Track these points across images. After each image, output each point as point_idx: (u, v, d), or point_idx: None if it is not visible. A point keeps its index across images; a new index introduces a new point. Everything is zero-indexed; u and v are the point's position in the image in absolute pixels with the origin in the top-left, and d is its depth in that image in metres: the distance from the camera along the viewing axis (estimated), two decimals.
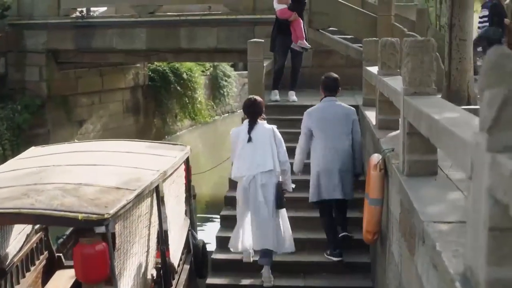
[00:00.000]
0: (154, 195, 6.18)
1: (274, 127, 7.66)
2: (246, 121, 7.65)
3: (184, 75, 20.39)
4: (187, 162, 8.14)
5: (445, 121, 3.74)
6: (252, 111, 7.65)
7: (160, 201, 6.37)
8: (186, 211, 8.13)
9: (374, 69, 9.63)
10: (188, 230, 8.08)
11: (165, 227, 6.58)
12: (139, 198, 5.56)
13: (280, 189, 7.43)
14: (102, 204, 5.02)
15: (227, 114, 29.02)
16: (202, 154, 23.03)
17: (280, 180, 7.51)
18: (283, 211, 7.59)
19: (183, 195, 7.84)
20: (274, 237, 7.40)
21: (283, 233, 7.52)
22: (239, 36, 14.07)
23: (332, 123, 7.89)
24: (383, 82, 7.10)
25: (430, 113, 4.17)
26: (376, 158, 6.24)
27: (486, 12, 14.55)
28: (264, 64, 10.98)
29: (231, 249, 7.75)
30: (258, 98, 7.87)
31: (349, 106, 8.26)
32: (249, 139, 7.42)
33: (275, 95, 11.41)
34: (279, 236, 7.46)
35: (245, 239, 7.61)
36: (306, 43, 11.30)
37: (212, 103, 23.79)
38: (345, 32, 13.88)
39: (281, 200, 7.43)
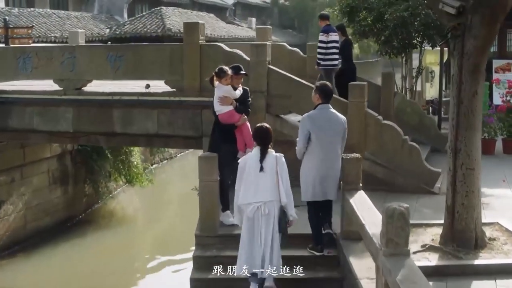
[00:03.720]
0: None
1: (280, 155, 7.64)
2: (257, 149, 7.66)
3: None
4: None
5: None
6: (264, 139, 7.66)
7: None
8: None
9: (359, 202, 7.76)
10: None
11: None
12: None
13: (283, 216, 7.52)
14: None
15: (166, 161, 26.87)
16: (141, 216, 20.80)
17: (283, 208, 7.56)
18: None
19: None
20: (267, 262, 7.47)
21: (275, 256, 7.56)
22: (184, 120, 11.98)
23: (329, 131, 8.26)
24: None
25: None
26: None
27: (336, 37, 13.17)
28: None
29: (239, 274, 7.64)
30: (268, 125, 7.89)
31: (341, 115, 8.47)
32: (261, 169, 7.50)
33: (228, 217, 9.01)
34: (272, 259, 7.51)
35: (248, 262, 7.55)
36: None
37: (150, 165, 21.54)
38: None
39: (284, 225, 7.55)
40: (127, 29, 30.65)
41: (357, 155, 8.57)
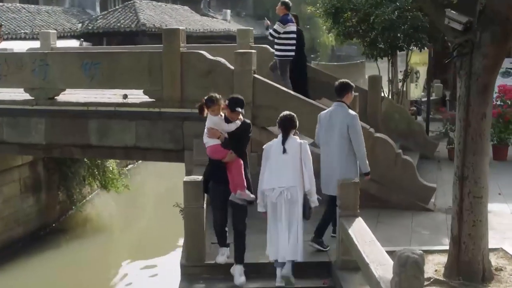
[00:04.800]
0: None
1: (304, 142, 7.78)
2: (280, 135, 7.80)
3: None
4: None
5: None
6: (284, 125, 7.78)
7: None
8: None
9: (359, 233, 7.19)
10: None
11: None
12: None
13: (307, 202, 7.65)
14: None
15: (141, 161, 26.06)
16: (117, 221, 20.10)
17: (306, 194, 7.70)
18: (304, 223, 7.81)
19: None
20: (290, 247, 7.57)
21: (298, 242, 7.64)
22: (164, 133, 11.33)
23: (328, 130, 8.58)
24: None
25: None
26: None
27: (294, 27, 12.80)
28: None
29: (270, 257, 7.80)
30: (293, 113, 7.91)
31: (347, 112, 8.54)
32: (284, 150, 7.64)
33: (222, 255, 8.13)
34: (294, 246, 7.59)
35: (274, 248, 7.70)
36: (249, 193, 7.79)
37: (124, 167, 20.82)
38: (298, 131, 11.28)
39: (307, 212, 7.69)
40: (100, 24, 29.84)
41: (355, 179, 8.03)
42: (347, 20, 14.95)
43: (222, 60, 11.03)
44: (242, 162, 7.87)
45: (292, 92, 11.05)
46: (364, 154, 8.57)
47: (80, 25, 29.92)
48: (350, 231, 7.33)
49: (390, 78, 16.10)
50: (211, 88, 10.87)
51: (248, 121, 8.08)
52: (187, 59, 11.05)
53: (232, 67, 10.86)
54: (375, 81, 14.15)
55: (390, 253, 7.01)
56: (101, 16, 30.93)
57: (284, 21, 12.74)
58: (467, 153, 7.11)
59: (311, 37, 58.49)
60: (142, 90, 11.41)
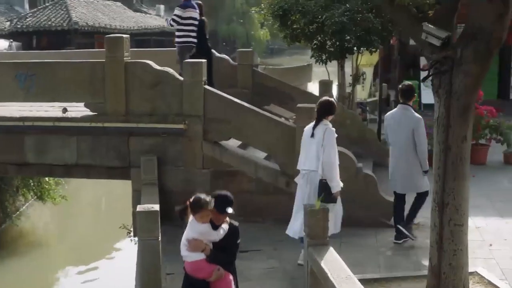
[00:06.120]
0: None
1: (330, 129, 7.95)
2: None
3: None
4: None
5: None
6: (318, 110, 8.08)
7: None
8: None
9: (333, 268, 6.61)
10: None
11: None
12: None
13: (325, 186, 7.84)
14: None
15: None
16: (53, 234, 19.08)
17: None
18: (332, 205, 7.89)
19: None
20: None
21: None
22: (108, 149, 10.55)
23: (396, 131, 9.01)
24: None
25: None
26: None
27: (196, 14, 12.41)
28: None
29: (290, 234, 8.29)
30: (331, 99, 8.26)
31: (413, 115, 8.91)
32: (312, 135, 8.00)
33: None
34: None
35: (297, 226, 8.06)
36: None
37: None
38: (253, 146, 10.69)
39: (326, 195, 7.73)
40: (29, 22, 28.60)
41: (324, 205, 7.44)
42: (295, 22, 14.37)
43: (170, 70, 10.35)
44: (231, 278, 6.09)
45: (246, 104, 10.40)
46: (426, 154, 8.92)
47: (8, 23, 28.58)
48: (323, 264, 6.72)
49: (339, 81, 15.63)
50: (158, 101, 10.25)
51: (236, 223, 6.11)
52: (132, 70, 10.32)
53: (181, 78, 10.18)
54: (326, 86, 13.61)
55: (362, 282, 6.50)
56: (31, 14, 29.68)
57: (184, 6, 12.30)
58: (447, 178, 6.59)
59: (246, 32, 58.22)
60: (83, 103, 10.59)
